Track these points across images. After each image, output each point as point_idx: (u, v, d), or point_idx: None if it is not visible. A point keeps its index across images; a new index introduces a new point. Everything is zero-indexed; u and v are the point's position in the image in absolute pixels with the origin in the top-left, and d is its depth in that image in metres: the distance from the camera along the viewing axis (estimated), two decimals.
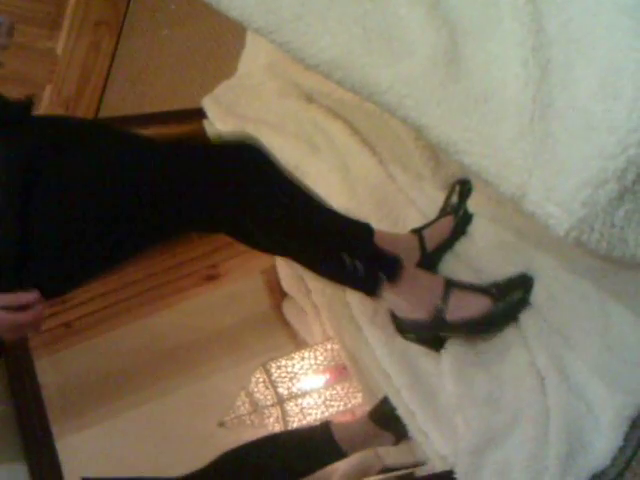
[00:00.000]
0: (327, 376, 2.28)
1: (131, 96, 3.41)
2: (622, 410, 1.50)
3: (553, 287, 1.64)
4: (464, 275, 1.78)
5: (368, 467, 2.11)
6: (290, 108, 2.29)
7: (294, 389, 2.26)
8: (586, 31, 1.22)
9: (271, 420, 2.26)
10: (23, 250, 1.33)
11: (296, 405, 2.25)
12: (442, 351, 1.78)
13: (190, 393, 2.53)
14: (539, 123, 1.23)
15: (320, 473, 2.00)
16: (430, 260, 1.83)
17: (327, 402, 2.26)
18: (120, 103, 3.45)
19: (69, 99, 3.43)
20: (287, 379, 2.26)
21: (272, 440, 2.06)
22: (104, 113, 3.50)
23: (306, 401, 2.25)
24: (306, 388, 2.26)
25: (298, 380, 2.27)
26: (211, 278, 2.62)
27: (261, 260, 2.54)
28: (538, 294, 1.66)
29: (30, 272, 1.36)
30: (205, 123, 2.47)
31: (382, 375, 1.88)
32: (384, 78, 1.34)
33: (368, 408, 2.04)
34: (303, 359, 2.29)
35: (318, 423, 2.12)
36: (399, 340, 1.82)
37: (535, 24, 1.28)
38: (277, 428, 2.25)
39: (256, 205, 1.51)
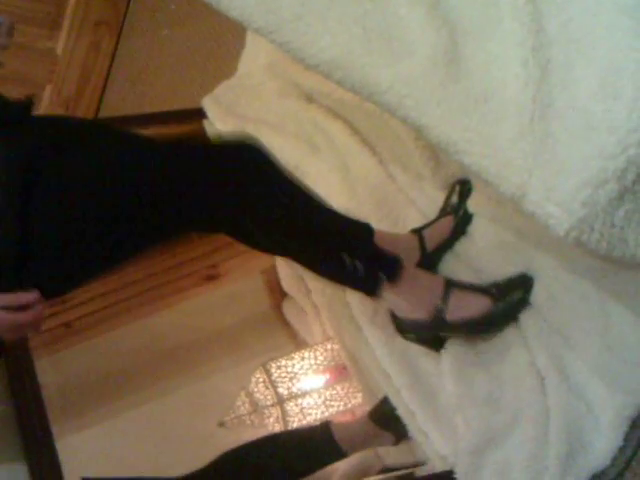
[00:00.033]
0: (327, 376, 2.28)
1: (131, 96, 3.41)
2: (622, 410, 1.50)
3: (553, 287, 1.64)
4: (464, 275, 1.78)
5: (368, 467, 2.11)
6: (290, 108, 2.29)
7: (294, 389, 2.26)
8: (586, 31, 1.22)
9: (271, 420, 2.26)
10: (23, 250, 1.33)
11: (296, 405, 2.25)
12: (442, 351, 1.78)
13: (190, 393, 2.53)
14: (539, 123, 1.23)
15: (320, 473, 2.00)
16: (430, 260, 1.82)
17: (327, 402, 2.26)
18: (120, 103, 3.45)
19: (69, 99, 3.43)
20: (287, 379, 2.26)
21: (272, 440, 2.06)
22: (104, 113, 3.50)
23: (306, 401, 2.25)
24: (306, 388, 2.26)
25: (298, 380, 2.27)
26: (211, 278, 2.62)
27: (261, 260, 2.54)
28: (538, 294, 1.66)
29: (30, 272, 1.36)
30: (205, 123, 2.47)
31: (382, 375, 1.88)
32: (384, 78, 1.34)
33: (368, 408, 2.04)
34: (303, 359, 2.29)
35: (318, 423, 2.12)
36: (399, 340, 1.82)
37: (535, 24, 1.28)
38: (277, 428, 2.25)
39: (256, 205, 1.51)
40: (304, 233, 1.58)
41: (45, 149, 1.37)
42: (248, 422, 2.27)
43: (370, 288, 1.66)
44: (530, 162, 1.23)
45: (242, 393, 2.29)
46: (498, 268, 1.74)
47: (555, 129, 1.22)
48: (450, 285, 1.71)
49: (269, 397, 2.25)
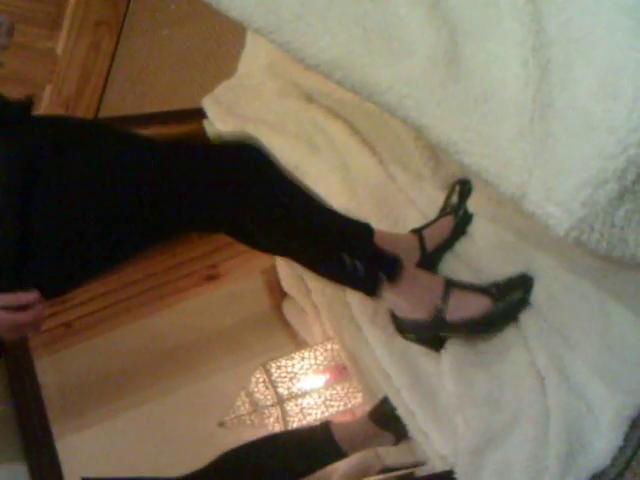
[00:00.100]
0: (327, 376, 2.28)
1: (131, 96, 3.41)
2: (622, 410, 1.50)
3: (553, 287, 1.64)
4: (464, 275, 1.78)
5: (368, 467, 2.11)
6: (290, 108, 2.29)
7: (294, 389, 2.26)
8: (586, 31, 1.22)
9: (271, 420, 2.26)
10: (23, 250, 1.33)
11: (296, 405, 2.25)
12: (442, 351, 1.78)
13: (190, 393, 2.53)
14: (539, 123, 1.23)
15: (320, 473, 2.00)
16: (430, 260, 1.82)
17: (327, 402, 2.26)
18: (120, 103, 3.45)
19: (69, 99, 3.43)
20: (287, 379, 2.26)
21: (272, 440, 2.06)
22: (104, 113, 3.50)
23: (306, 401, 2.25)
24: (306, 388, 2.26)
25: (298, 380, 2.27)
26: (211, 278, 2.62)
27: (261, 260, 2.54)
28: (538, 294, 1.66)
29: (30, 272, 1.36)
30: (205, 123, 2.47)
31: (382, 375, 1.88)
32: (384, 78, 1.34)
33: (368, 408, 2.04)
34: (303, 359, 2.29)
35: (318, 423, 2.12)
36: (399, 340, 1.82)
37: (535, 24, 1.28)
38: (277, 428, 2.25)
39: (256, 205, 1.51)
40: (304, 233, 1.58)
41: (45, 149, 1.37)
42: (248, 422, 2.27)
43: (370, 288, 1.66)
44: (530, 162, 1.23)
45: (242, 393, 2.29)
46: (498, 268, 1.74)
47: (555, 129, 1.22)
48: (450, 285, 1.71)
49: (269, 397, 2.25)
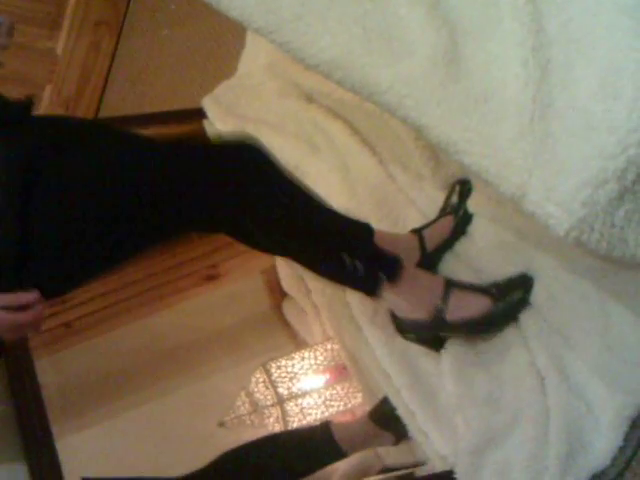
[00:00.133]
0: (327, 376, 2.28)
1: (131, 96, 3.41)
2: (622, 410, 1.50)
3: (553, 287, 1.64)
4: (464, 275, 1.78)
5: (368, 467, 2.11)
6: (290, 108, 2.29)
7: (294, 389, 2.26)
8: (586, 31, 1.22)
9: (271, 420, 2.26)
10: (23, 250, 1.33)
11: (296, 405, 2.25)
12: (442, 351, 1.78)
13: (190, 393, 2.53)
14: (539, 123, 1.23)
15: (320, 473, 2.00)
16: (430, 260, 1.82)
17: (327, 402, 2.26)
18: (120, 103, 3.45)
19: (69, 99, 3.43)
20: (287, 379, 2.26)
21: (272, 440, 2.06)
22: (104, 113, 3.50)
23: (306, 401, 2.25)
24: (306, 388, 2.26)
25: (298, 380, 2.27)
26: (211, 278, 2.62)
27: (261, 260, 2.54)
28: (538, 294, 1.66)
29: (30, 272, 1.35)
30: (205, 123, 2.47)
31: (382, 375, 1.88)
32: (384, 78, 1.34)
33: (368, 408, 2.04)
34: (303, 359, 2.29)
35: (318, 423, 2.12)
36: (399, 340, 1.82)
37: (535, 24, 1.28)
38: (277, 428, 2.25)
39: (256, 205, 1.51)
40: (304, 233, 1.58)
41: (45, 149, 1.37)
42: (248, 422, 2.27)
43: (370, 288, 1.66)
44: (530, 162, 1.23)
45: (242, 393, 2.29)
46: (498, 268, 1.74)
47: (555, 129, 1.22)
48: (450, 285, 1.71)
49: (269, 397, 2.25)
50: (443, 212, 1.87)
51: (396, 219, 1.96)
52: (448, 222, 1.85)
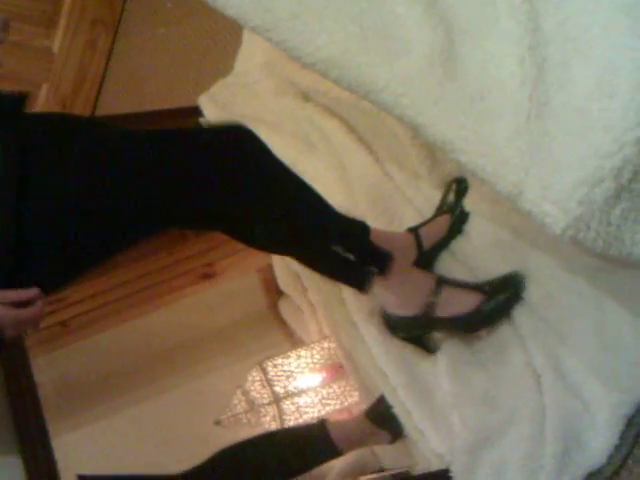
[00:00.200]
0: (323, 375, 2.28)
1: (127, 94, 3.40)
2: (618, 408, 1.50)
3: (549, 285, 1.64)
4: (460, 273, 1.79)
5: (364, 465, 2.11)
6: (286, 106, 2.29)
7: (290, 387, 2.26)
8: (583, 30, 1.22)
9: (267, 419, 2.26)
10: (19, 245, 1.33)
11: (292, 404, 2.25)
12: (438, 350, 1.78)
13: (186, 392, 2.53)
14: (535, 122, 1.23)
15: (316, 471, 2.00)
16: (426, 258, 1.82)
17: (323, 401, 2.26)
18: (116, 101, 3.44)
19: (65, 97, 3.42)
20: (283, 377, 2.26)
21: (268, 438, 2.06)
22: (100, 111, 3.50)
23: (302, 400, 2.25)
24: (302, 387, 2.26)
25: (294, 379, 2.27)
26: (207, 276, 2.62)
27: (257, 258, 2.54)
28: (534, 293, 1.66)
29: (27, 267, 1.35)
30: (201, 121, 2.47)
31: (378, 374, 1.88)
32: (380, 77, 1.34)
33: (364, 407, 2.05)
34: (299, 357, 2.29)
35: (314, 421, 2.12)
36: (395, 339, 1.82)
37: (532, 23, 1.28)
38: (273, 427, 2.25)
39: (254, 196, 1.51)
40: (302, 228, 1.59)
41: (40, 144, 1.37)
42: (244, 421, 2.27)
43: (361, 282, 1.66)
44: (526, 160, 1.23)
45: (238, 391, 2.29)
46: (494, 266, 1.74)
47: (551, 128, 1.22)
48: (442, 282, 1.71)
49: (265, 395, 2.25)
50: (439, 211, 1.87)
51: (392, 217, 1.96)
52: (444, 221, 1.85)
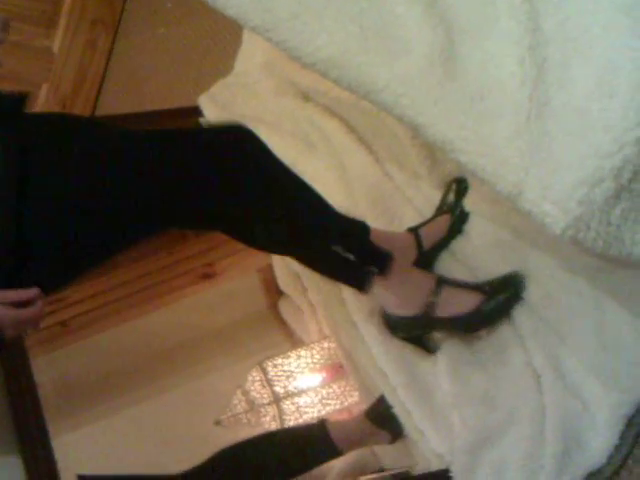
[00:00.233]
0: (323, 375, 2.28)
1: (127, 94, 3.40)
2: (618, 408, 1.50)
3: (549, 285, 1.64)
4: (460, 273, 1.79)
5: (364, 465, 2.11)
6: (286, 106, 2.29)
7: (290, 388, 2.26)
8: (583, 30, 1.22)
9: (267, 419, 2.26)
10: (19, 245, 1.33)
11: (292, 404, 2.25)
12: (438, 350, 1.78)
13: (186, 392, 2.53)
14: (535, 122, 1.23)
15: (316, 471, 2.00)
16: (426, 258, 1.82)
17: (323, 401, 2.26)
18: (116, 101, 3.44)
19: (65, 97, 3.42)
20: (283, 377, 2.26)
21: (268, 438, 2.06)
22: (100, 111, 3.50)
23: (302, 400, 2.25)
24: (302, 387, 2.26)
25: (294, 379, 2.27)
26: (207, 276, 2.62)
27: (257, 258, 2.54)
28: (534, 292, 1.66)
29: (27, 267, 1.35)
30: (201, 121, 2.47)
31: (378, 374, 1.88)
32: (380, 77, 1.34)
33: (364, 407, 2.05)
34: (299, 357, 2.29)
35: (314, 421, 2.12)
36: (395, 339, 1.82)
37: (532, 23, 1.28)
38: (273, 427, 2.25)
39: (254, 196, 1.51)
40: (302, 229, 1.59)
41: (40, 143, 1.37)
42: (244, 421, 2.27)
43: (361, 282, 1.66)
44: (526, 160, 1.23)
45: (238, 391, 2.29)
46: (494, 266, 1.74)
47: (551, 128, 1.22)
48: (442, 282, 1.71)
49: (265, 396, 2.25)
50: (439, 211, 1.87)
51: (392, 218, 1.96)
52: (444, 221, 1.85)
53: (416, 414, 1.78)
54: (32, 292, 1.35)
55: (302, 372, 2.27)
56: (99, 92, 3.50)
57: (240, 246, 1.68)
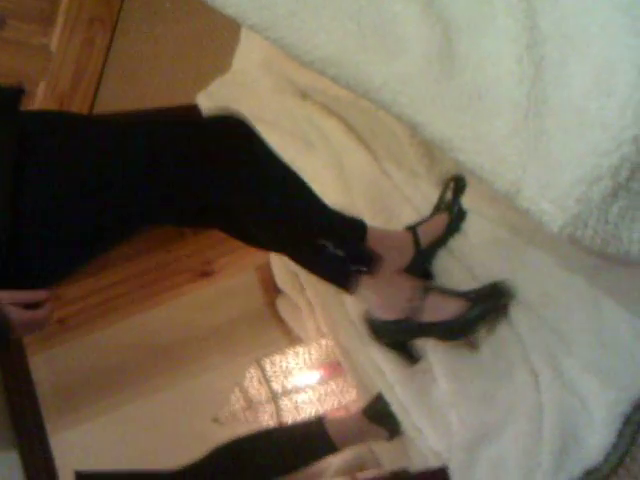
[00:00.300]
0: (321, 372, 2.28)
1: (125, 92, 3.40)
2: (615, 406, 1.50)
3: (547, 284, 1.64)
4: (458, 271, 1.79)
5: (362, 462, 2.12)
6: (285, 105, 2.29)
7: (288, 385, 2.26)
8: (580, 28, 1.22)
9: (265, 416, 2.26)
10: (15, 236, 1.33)
11: (290, 401, 2.25)
12: (436, 348, 1.78)
13: (184, 389, 2.54)
14: (533, 120, 1.23)
15: (314, 468, 2.01)
16: (424, 257, 1.82)
17: (321, 398, 2.26)
18: (114, 99, 3.44)
19: (63, 95, 3.42)
20: (281, 375, 2.26)
21: (266, 434, 2.07)
22: (98, 109, 3.49)
23: (300, 397, 2.25)
24: (300, 384, 2.27)
25: (292, 376, 2.27)
26: (205, 275, 2.62)
27: (255, 257, 2.54)
28: (532, 291, 1.67)
29: (24, 260, 1.36)
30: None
31: (376, 371, 1.88)
32: (378, 75, 1.35)
33: (362, 404, 2.05)
34: (297, 355, 2.29)
35: (312, 418, 2.12)
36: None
37: (529, 21, 1.28)
38: (271, 424, 2.26)
39: (248, 187, 1.51)
40: (298, 227, 1.59)
41: (39, 141, 1.37)
42: (242, 418, 2.27)
43: (348, 280, 1.66)
44: (524, 159, 1.23)
45: (236, 389, 2.30)
46: (492, 264, 1.74)
47: (549, 126, 1.22)
48: (428, 288, 1.71)
49: (263, 393, 2.25)
50: (437, 209, 1.87)
51: (390, 216, 1.96)
52: (442, 219, 1.84)
53: (414, 412, 1.79)
54: (41, 294, 1.36)
55: (300, 370, 2.28)
56: (97, 90, 3.49)
57: (238, 244, 1.68)
